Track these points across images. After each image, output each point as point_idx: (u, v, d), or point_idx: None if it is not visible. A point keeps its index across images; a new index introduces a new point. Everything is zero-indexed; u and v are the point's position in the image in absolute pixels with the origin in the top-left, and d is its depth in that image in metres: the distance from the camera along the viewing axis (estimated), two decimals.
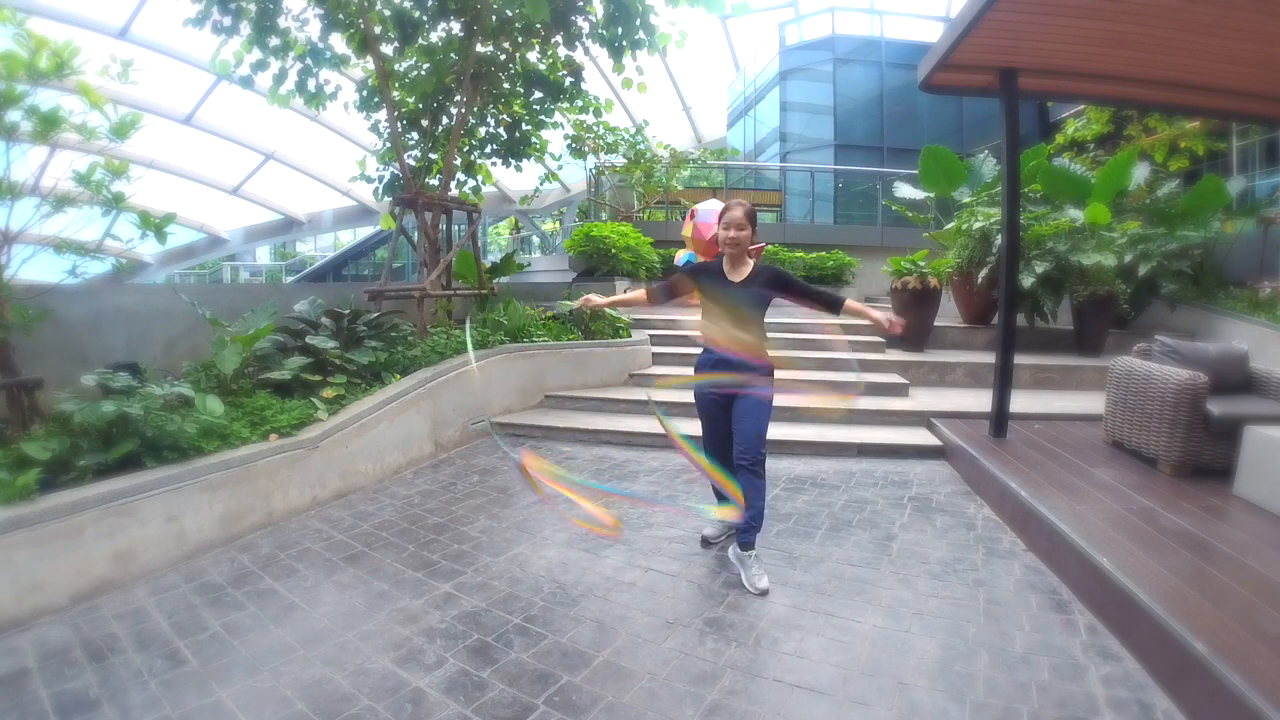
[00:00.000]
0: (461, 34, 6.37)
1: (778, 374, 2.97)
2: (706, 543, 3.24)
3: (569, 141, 10.41)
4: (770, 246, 10.82)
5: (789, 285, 2.94)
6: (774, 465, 4.52)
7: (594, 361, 6.09)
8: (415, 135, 7.18)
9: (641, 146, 11.56)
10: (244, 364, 4.22)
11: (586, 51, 6.67)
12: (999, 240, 5.93)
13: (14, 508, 2.59)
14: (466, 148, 7.26)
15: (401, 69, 6.82)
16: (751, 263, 2.99)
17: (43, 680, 2.17)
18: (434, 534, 3.38)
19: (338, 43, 6.45)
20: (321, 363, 4.50)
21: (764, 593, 2.74)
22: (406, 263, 19.31)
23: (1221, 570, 2.57)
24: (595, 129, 10.45)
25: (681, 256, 9.51)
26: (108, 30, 11.75)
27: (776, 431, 4.91)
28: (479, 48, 6.32)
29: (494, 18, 6.11)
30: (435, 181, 7.09)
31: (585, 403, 5.74)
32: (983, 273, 7.11)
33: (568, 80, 7.06)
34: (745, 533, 2.88)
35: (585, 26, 6.26)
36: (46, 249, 3.63)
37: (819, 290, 3.00)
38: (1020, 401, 4.98)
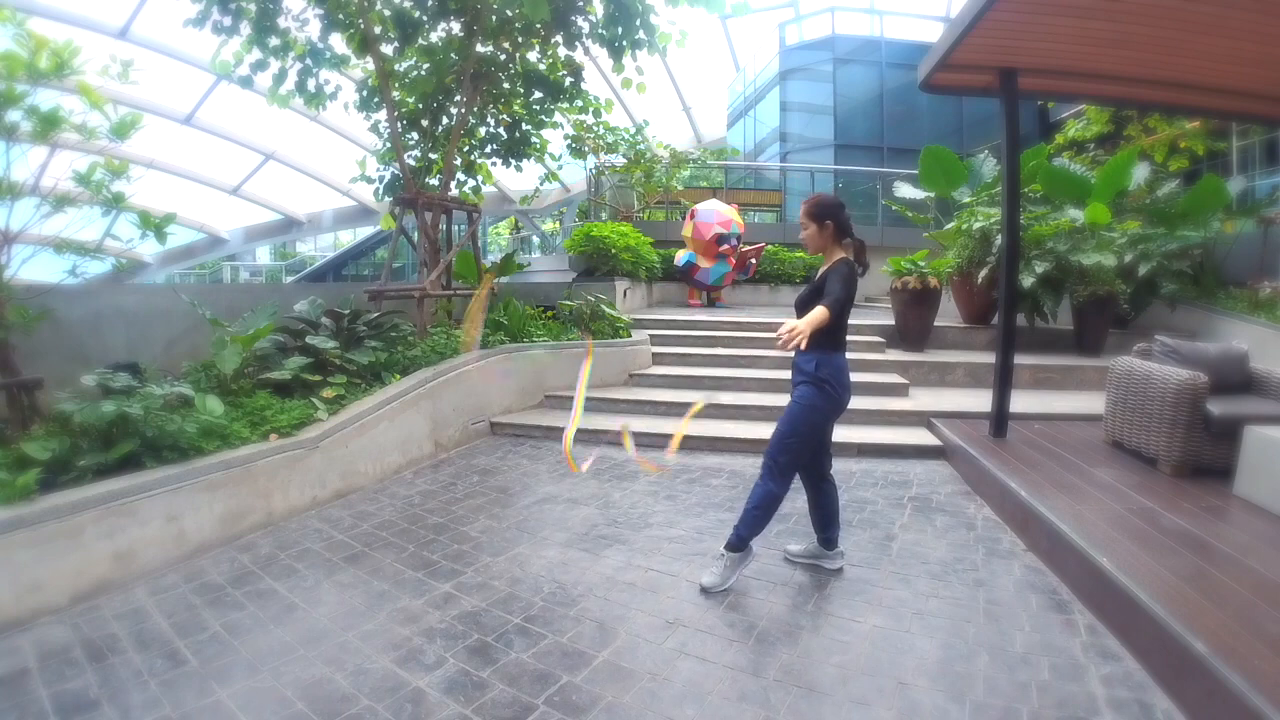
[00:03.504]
0: (461, 34, 6.37)
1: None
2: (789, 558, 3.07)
3: (569, 141, 10.42)
4: (770, 246, 10.85)
5: (820, 288, 2.70)
6: None
7: (594, 361, 6.09)
8: (415, 135, 7.18)
9: (641, 147, 11.56)
10: (244, 364, 4.22)
11: (586, 51, 6.67)
12: (999, 240, 5.93)
13: (14, 508, 2.59)
14: (466, 148, 7.26)
15: (401, 69, 6.83)
16: (835, 259, 2.77)
17: (43, 680, 2.17)
18: (434, 534, 3.38)
19: (338, 43, 6.46)
20: (321, 363, 4.50)
21: (703, 589, 2.74)
22: (406, 263, 19.32)
23: (1221, 570, 2.57)
24: (595, 129, 10.46)
25: (681, 257, 9.54)
26: (108, 30, 11.76)
27: (772, 431, 4.92)
28: (479, 48, 6.32)
29: (494, 18, 6.11)
30: (435, 181, 7.09)
31: (585, 402, 5.73)
32: (983, 273, 7.11)
33: (568, 80, 7.06)
34: (733, 530, 2.81)
35: (585, 26, 6.26)
36: (46, 249, 3.64)
37: (825, 299, 2.61)
38: (1020, 401, 4.98)
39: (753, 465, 4.49)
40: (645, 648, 2.35)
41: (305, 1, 6.01)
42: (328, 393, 4.22)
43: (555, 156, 8.68)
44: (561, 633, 2.44)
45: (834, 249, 2.79)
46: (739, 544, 2.79)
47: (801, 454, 2.79)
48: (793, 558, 3.05)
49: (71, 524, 2.69)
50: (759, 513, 2.76)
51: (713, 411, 5.41)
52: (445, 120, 7.02)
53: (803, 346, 2.40)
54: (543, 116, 7.55)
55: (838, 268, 2.69)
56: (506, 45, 6.58)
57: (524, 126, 7.41)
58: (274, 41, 6.07)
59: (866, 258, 2.81)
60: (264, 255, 29.68)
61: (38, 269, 3.77)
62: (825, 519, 2.95)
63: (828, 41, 16.72)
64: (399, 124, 6.54)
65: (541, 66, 6.97)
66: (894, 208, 10.57)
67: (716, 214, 9.22)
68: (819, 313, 2.45)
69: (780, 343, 2.35)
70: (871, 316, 8.27)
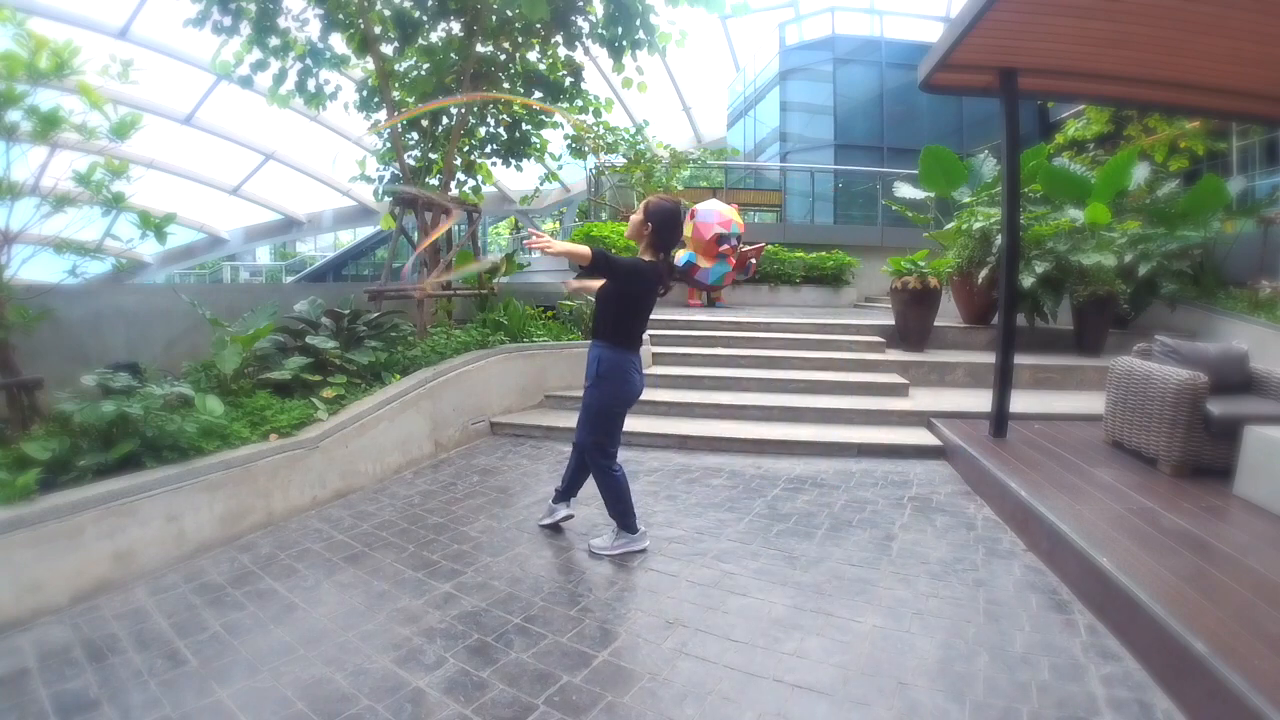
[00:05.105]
0: (461, 34, 6.38)
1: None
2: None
3: (569, 141, 10.41)
4: (770, 246, 10.84)
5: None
6: (774, 465, 4.52)
7: None
8: (415, 135, 7.18)
9: (641, 147, 11.56)
10: (244, 364, 4.22)
11: (586, 51, 6.68)
12: (999, 240, 5.93)
13: (14, 508, 2.59)
14: (466, 148, 7.27)
15: (401, 69, 6.83)
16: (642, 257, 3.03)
17: (43, 680, 2.17)
18: (434, 534, 3.38)
19: (338, 43, 6.47)
20: (321, 363, 4.50)
21: (591, 550, 3.11)
22: (406, 263, 19.31)
23: (1221, 570, 2.57)
24: (595, 129, 10.45)
25: (681, 257, 9.52)
26: (108, 30, 11.77)
27: (777, 431, 4.94)
28: (479, 48, 6.32)
29: (494, 18, 6.12)
30: (435, 181, 7.10)
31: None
32: (983, 273, 7.10)
33: (568, 80, 7.06)
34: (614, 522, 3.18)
35: (585, 26, 6.26)
36: (46, 249, 3.64)
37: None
38: (1020, 401, 4.98)
39: (753, 465, 4.50)
40: (645, 648, 2.35)
41: (305, 1, 6.02)
42: (328, 393, 4.22)
43: (555, 156, 8.68)
44: (561, 633, 2.44)
45: (646, 251, 3.00)
46: (628, 528, 3.13)
47: (608, 440, 3.09)
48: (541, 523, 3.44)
49: (71, 524, 2.69)
50: (614, 500, 3.10)
51: (713, 411, 5.41)
52: (445, 120, 7.02)
53: (546, 251, 2.63)
54: (542, 116, 7.56)
55: (634, 259, 2.94)
56: (506, 45, 6.59)
57: (524, 126, 7.42)
58: (274, 41, 6.08)
59: (670, 282, 3.04)
60: (264, 255, 29.66)
61: (38, 269, 3.77)
62: (572, 485, 3.36)
63: (828, 41, 16.70)
64: (399, 124, 6.54)
65: (541, 66, 6.97)
66: (894, 208, 10.56)
67: (716, 214, 9.21)
68: (580, 246, 2.69)
69: (530, 241, 2.62)
70: (871, 316, 8.27)
